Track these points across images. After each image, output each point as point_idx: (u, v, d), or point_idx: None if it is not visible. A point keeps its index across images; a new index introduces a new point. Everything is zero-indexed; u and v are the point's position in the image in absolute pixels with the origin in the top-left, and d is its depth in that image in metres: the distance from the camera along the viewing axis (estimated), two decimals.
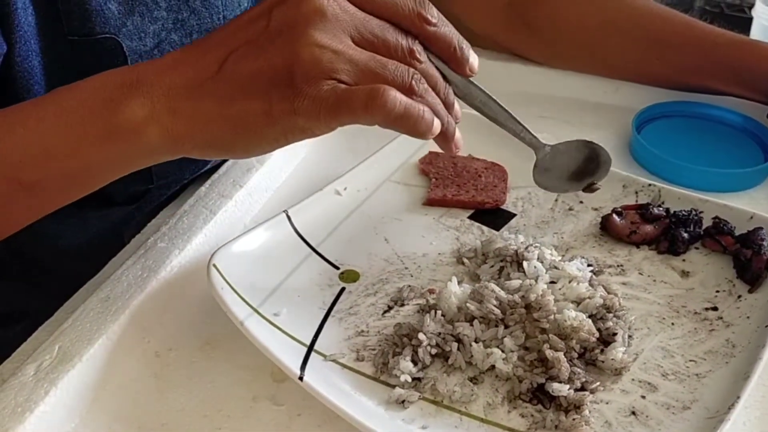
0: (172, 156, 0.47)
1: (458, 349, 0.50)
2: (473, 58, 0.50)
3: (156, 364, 0.51)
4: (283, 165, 0.69)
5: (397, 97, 0.44)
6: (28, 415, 0.45)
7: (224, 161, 0.67)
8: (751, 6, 1.16)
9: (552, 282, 0.53)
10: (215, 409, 0.48)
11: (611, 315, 0.51)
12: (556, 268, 0.54)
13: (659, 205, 0.61)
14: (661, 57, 0.75)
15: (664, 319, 0.53)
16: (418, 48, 0.47)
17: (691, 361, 0.50)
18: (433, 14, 0.47)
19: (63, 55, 0.56)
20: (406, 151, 0.69)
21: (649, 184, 0.63)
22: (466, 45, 0.49)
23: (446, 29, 0.48)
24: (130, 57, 0.58)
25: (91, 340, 0.49)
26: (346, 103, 0.43)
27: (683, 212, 0.60)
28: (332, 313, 0.54)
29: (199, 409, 0.49)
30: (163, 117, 0.44)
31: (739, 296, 0.54)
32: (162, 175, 0.63)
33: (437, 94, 0.48)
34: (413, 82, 0.46)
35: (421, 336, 0.50)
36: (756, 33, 0.92)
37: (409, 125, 0.46)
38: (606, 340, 0.50)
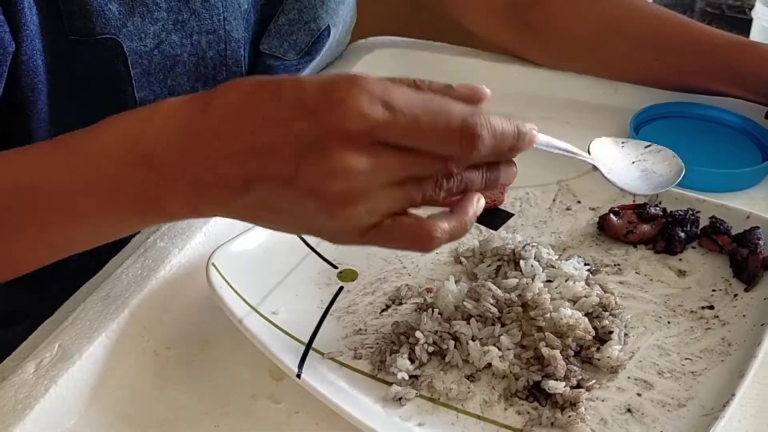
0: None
1: (455, 347, 0.50)
2: (531, 134, 0.44)
3: (155, 362, 0.52)
4: None
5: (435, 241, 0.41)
6: (28, 412, 0.45)
7: None
8: (752, 7, 1.16)
9: (549, 281, 0.53)
10: (214, 407, 0.49)
11: (607, 313, 0.51)
12: (552, 267, 0.54)
13: (656, 205, 0.61)
14: (660, 59, 0.75)
15: (660, 317, 0.54)
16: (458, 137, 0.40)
17: (686, 359, 0.51)
18: (482, 131, 0.39)
19: (65, 54, 0.57)
20: None
21: None
22: (521, 137, 0.42)
23: (495, 139, 0.40)
24: (131, 57, 0.58)
25: (91, 338, 0.50)
26: (385, 239, 0.41)
27: (680, 212, 0.60)
28: (330, 311, 0.54)
29: (198, 407, 0.49)
30: (188, 213, 0.44)
31: (735, 295, 0.55)
32: None
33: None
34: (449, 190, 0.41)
35: (418, 334, 0.50)
36: (756, 34, 0.93)
37: None
38: (602, 338, 0.50)
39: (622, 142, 0.54)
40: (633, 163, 0.53)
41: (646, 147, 0.54)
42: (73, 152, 0.45)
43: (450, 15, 0.83)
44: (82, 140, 0.45)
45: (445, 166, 0.40)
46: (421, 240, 0.41)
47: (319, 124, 0.38)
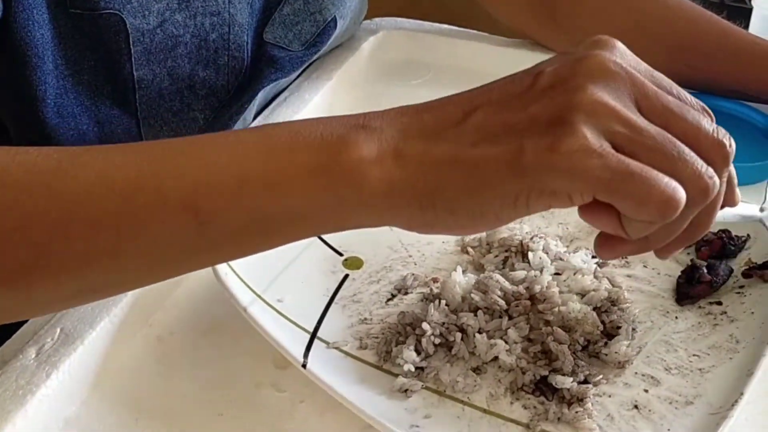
0: (378, 221, 0.38)
1: (462, 339, 0.49)
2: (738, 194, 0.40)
3: (158, 348, 0.51)
4: None
5: (688, 212, 0.36)
6: (30, 398, 0.45)
7: None
8: None
9: (557, 273, 0.53)
10: (217, 395, 0.48)
11: (615, 308, 0.51)
12: (561, 259, 0.54)
13: None
14: (690, 64, 0.72)
15: (668, 312, 0.53)
16: (728, 142, 0.37)
17: (694, 355, 0.50)
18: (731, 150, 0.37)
19: (66, 29, 0.55)
20: None
21: None
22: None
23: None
24: (132, 35, 0.57)
25: (93, 323, 0.49)
26: (626, 179, 0.34)
27: None
28: (336, 300, 0.54)
29: (201, 394, 0.49)
30: (388, 158, 0.35)
31: (741, 287, 0.54)
32: None
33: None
34: (710, 186, 0.36)
35: (424, 325, 0.49)
36: (756, 22, 0.91)
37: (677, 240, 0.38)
38: (610, 333, 0.50)
39: None
40: None
41: None
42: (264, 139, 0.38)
43: (478, 2, 0.81)
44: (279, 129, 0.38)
45: (714, 130, 0.37)
46: (671, 194, 0.34)
47: (560, 65, 0.36)
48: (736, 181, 0.40)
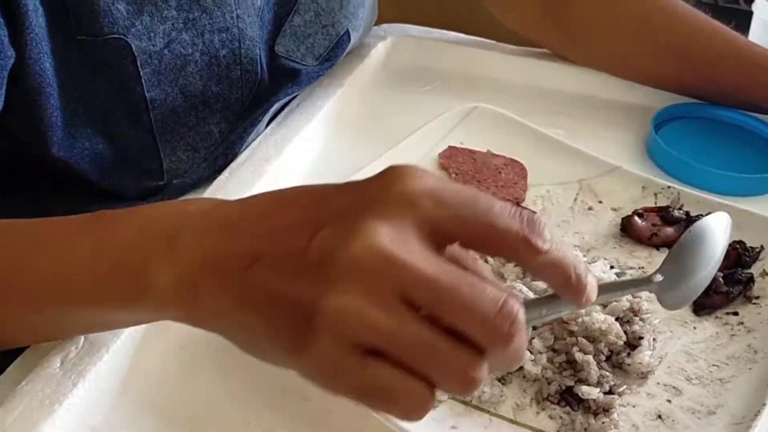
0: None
1: None
2: (591, 286, 0.37)
3: (182, 356, 0.51)
4: (302, 155, 0.69)
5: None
6: (57, 408, 0.44)
7: (240, 152, 0.66)
8: None
9: None
10: (243, 403, 0.48)
11: (637, 318, 0.52)
12: None
13: (679, 208, 0.61)
14: (696, 73, 0.74)
15: (686, 322, 0.54)
16: (513, 313, 0.33)
17: (714, 365, 0.51)
18: (545, 238, 0.35)
19: (73, 55, 0.54)
20: (424, 144, 0.69)
21: (669, 187, 0.64)
22: (582, 269, 0.36)
23: (558, 254, 0.36)
24: (140, 57, 0.56)
25: (118, 331, 0.49)
26: (366, 395, 0.34)
27: (700, 215, 0.60)
28: None
29: (226, 402, 0.48)
30: (184, 293, 0.38)
31: (757, 297, 0.55)
32: (175, 173, 0.62)
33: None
34: (468, 385, 0.34)
35: None
36: (756, 28, 0.93)
37: None
38: (632, 343, 0.51)
39: None
40: None
41: None
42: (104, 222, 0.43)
43: (485, 7, 0.82)
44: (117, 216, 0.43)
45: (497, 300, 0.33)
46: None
47: (359, 193, 0.35)
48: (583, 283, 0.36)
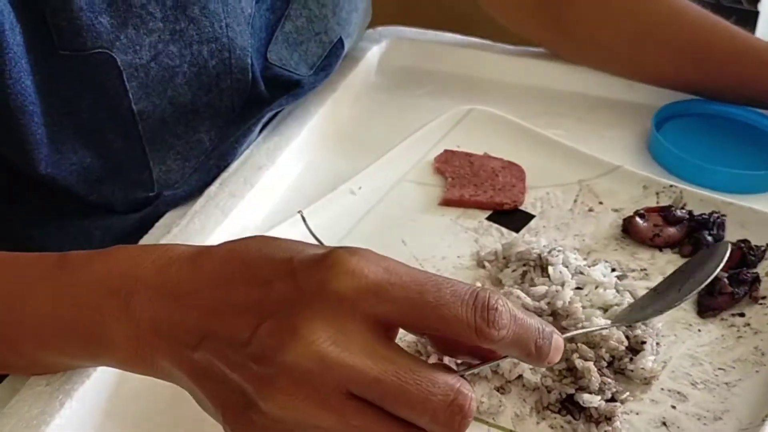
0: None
1: None
2: (555, 348, 0.37)
3: None
4: (295, 162, 0.67)
5: None
6: (44, 428, 0.43)
7: (232, 161, 0.65)
8: None
9: (578, 288, 0.52)
10: None
11: (639, 322, 0.50)
12: (581, 273, 0.53)
13: (682, 208, 0.60)
14: (698, 69, 0.72)
15: (690, 325, 0.52)
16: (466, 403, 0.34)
17: (720, 369, 0.49)
18: (499, 325, 0.34)
19: (56, 71, 0.53)
20: (420, 149, 0.67)
21: (671, 185, 0.62)
22: (543, 336, 0.36)
23: (516, 332, 0.35)
24: (126, 71, 0.55)
25: None
26: None
27: (704, 215, 0.59)
28: None
29: (215, 425, 0.47)
30: (142, 355, 0.39)
31: (764, 297, 0.54)
32: (165, 184, 0.61)
33: None
34: None
35: None
36: (763, 27, 0.91)
37: None
38: (634, 348, 0.49)
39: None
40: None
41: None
42: (65, 280, 0.43)
43: (480, 5, 0.80)
44: (79, 268, 0.43)
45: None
46: None
47: (298, 284, 0.35)
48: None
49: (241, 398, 0.35)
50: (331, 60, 0.69)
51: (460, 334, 0.34)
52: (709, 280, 0.46)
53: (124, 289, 0.40)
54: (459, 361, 0.43)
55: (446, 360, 0.43)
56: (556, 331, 0.37)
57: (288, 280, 0.35)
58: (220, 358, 0.36)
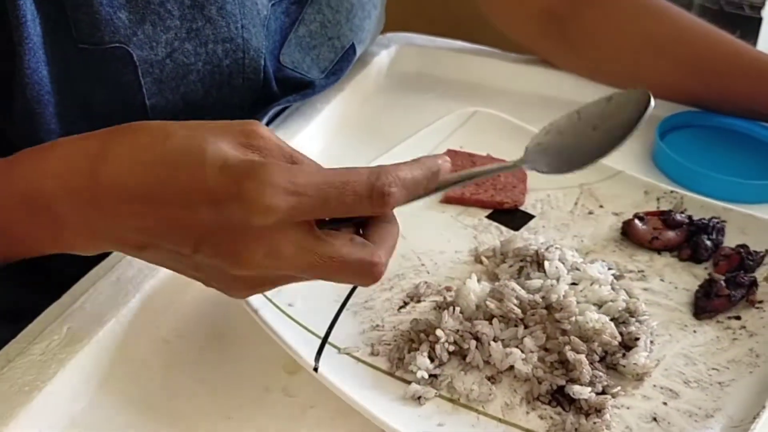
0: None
1: (476, 347, 0.48)
2: (444, 166, 0.43)
3: (165, 350, 0.50)
4: None
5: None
6: (36, 394, 0.43)
7: None
8: (751, 5, 1.15)
9: (573, 283, 0.52)
10: (226, 398, 0.47)
11: (634, 319, 0.50)
12: (577, 269, 0.53)
13: (682, 212, 0.60)
14: (703, 82, 0.72)
15: (686, 326, 0.52)
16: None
17: (713, 369, 0.49)
18: (394, 201, 0.40)
19: (73, 63, 0.54)
20: (424, 147, 0.68)
21: (672, 191, 0.62)
22: (433, 177, 0.42)
23: (409, 196, 0.41)
24: (141, 66, 0.56)
25: (101, 323, 0.48)
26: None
27: (703, 220, 0.59)
28: (347, 306, 0.52)
29: (208, 397, 0.47)
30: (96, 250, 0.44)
31: (761, 305, 0.53)
32: None
33: None
34: None
35: (439, 332, 0.48)
36: (766, 35, 0.92)
37: None
38: (628, 344, 0.49)
39: (576, 113, 0.47)
40: (594, 129, 0.46)
41: (608, 101, 0.46)
42: None
43: (487, 18, 0.81)
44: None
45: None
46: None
47: (222, 216, 0.38)
48: None
49: (203, 275, 0.41)
50: (342, 65, 0.70)
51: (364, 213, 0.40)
52: (633, 132, 0.43)
53: (46, 205, 0.42)
54: None
55: None
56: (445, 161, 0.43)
57: (212, 209, 0.38)
58: (168, 260, 0.41)
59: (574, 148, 0.45)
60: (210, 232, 0.39)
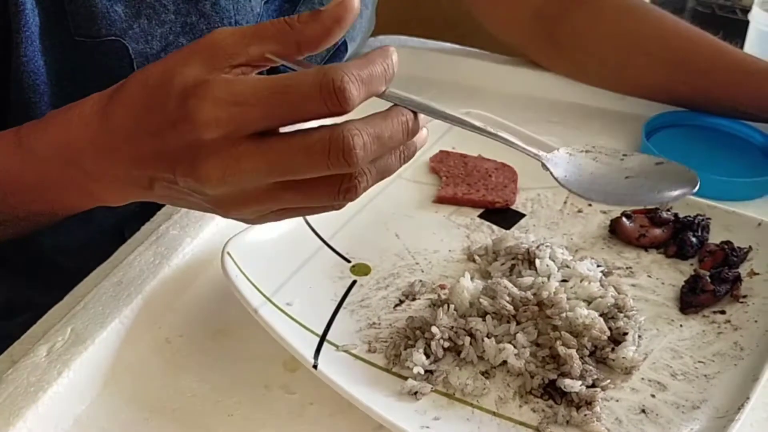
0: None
1: (470, 343, 0.50)
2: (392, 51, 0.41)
3: (167, 349, 0.51)
4: None
5: None
6: (41, 395, 0.45)
7: None
8: (743, 8, 1.17)
9: (563, 280, 0.53)
10: (227, 396, 0.48)
11: (622, 315, 0.52)
12: (567, 267, 0.54)
13: (668, 210, 0.61)
14: (687, 82, 0.74)
15: (672, 320, 0.54)
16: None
17: (699, 362, 0.51)
18: (343, 84, 0.37)
19: (69, 55, 0.55)
20: None
21: None
22: (389, 66, 0.40)
23: (363, 84, 0.38)
24: (136, 60, 0.57)
25: (104, 323, 0.49)
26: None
27: (689, 217, 0.60)
28: (344, 305, 0.54)
29: (210, 396, 0.49)
30: (123, 200, 0.47)
31: (745, 296, 0.55)
32: None
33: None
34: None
35: (434, 329, 0.50)
36: (752, 38, 0.93)
37: None
38: (616, 339, 0.51)
39: (623, 155, 0.46)
40: (627, 178, 0.45)
41: (657, 164, 0.45)
42: (25, 150, 0.48)
43: (477, 19, 0.83)
44: (34, 139, 0.48)
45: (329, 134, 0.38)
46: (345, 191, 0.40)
47: (180, 137, 0.40)
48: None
49: (198, 201, 0.43)
50: (335, 62, 0.72)
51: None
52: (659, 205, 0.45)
53: (73, 159, 0.45)
54: None
55: None
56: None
57: (173, 133, 0.40)
58: (173, 194, 0.43)
59: (598, 178, 0.45)
60: (178, 154, 0.40)
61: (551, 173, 0.45)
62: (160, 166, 0.42)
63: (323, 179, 0.40)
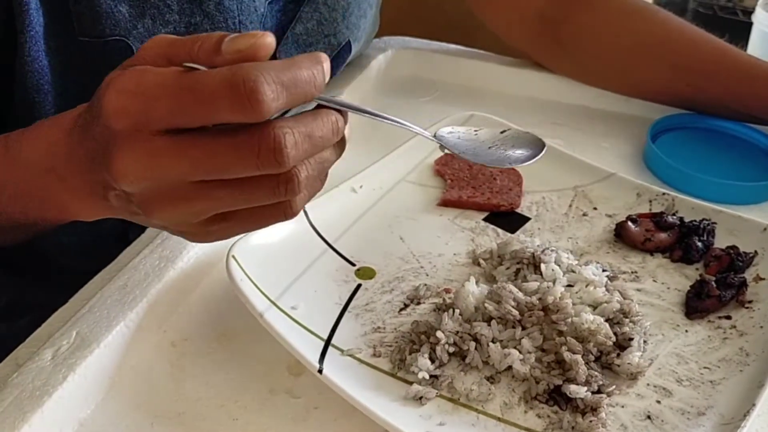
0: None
1: (475, 348, 0.50)
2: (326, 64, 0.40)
3: (172, 353, 0.51)
4: None
5: None
6: (46, 399, 0.44)
7: None
8: (744, 10, 1.16)
9: (569, 285, 0.53)
10: (231, 400, 0.48)
11: (627, 320, 0.52)
12: (573, 271, 0.54)
13: (673, 214, 0.61)
14: (692, 84, 0.74)
15: (678, 325, 0.54)
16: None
17: (705, 368, 0.51)
18: (256, 85, 0.35)
19: (74, 55, 0.55)
20: (421, 151, 0.69)
21: (663, 193, 0.64)
22: (317, 71, 0.39)
23: (284, 87, 0.36)
24: None
25: (110, 327, 0.49)
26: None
27: (694, 222, 0.60)
28: (349, 308, 0.54)
29: (215, 400, 0.49)
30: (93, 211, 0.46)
31: (750, 302, 0.55)
32: None
33: None
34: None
35: (439, 334, 0.50)
36: (755, 39, 0.93)
37: None
38: (622, 344, 0.50)
39: (475, 130, 0.52)
40: (489, 148, 0.51)
41: (502, 132, 0.53)
42: (11, 156, 0.48)
43: (481, 20, 0.83)
44: (20, 145, 0.47)
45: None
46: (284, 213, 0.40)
47: (99, 130, 0.39)
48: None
49: (138, 211, 0.41)
50: (338, 62, 0.72)
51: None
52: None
53: (51, 167, 0.44)
54: None
55: None
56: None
57: (95, 126, 0.40)
58: (122, 201, 0.41)
59: (475, 148, 0.51)
60: (99, 149, 0.39)
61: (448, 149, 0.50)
62: (96, 168, 0.40)
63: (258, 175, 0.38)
